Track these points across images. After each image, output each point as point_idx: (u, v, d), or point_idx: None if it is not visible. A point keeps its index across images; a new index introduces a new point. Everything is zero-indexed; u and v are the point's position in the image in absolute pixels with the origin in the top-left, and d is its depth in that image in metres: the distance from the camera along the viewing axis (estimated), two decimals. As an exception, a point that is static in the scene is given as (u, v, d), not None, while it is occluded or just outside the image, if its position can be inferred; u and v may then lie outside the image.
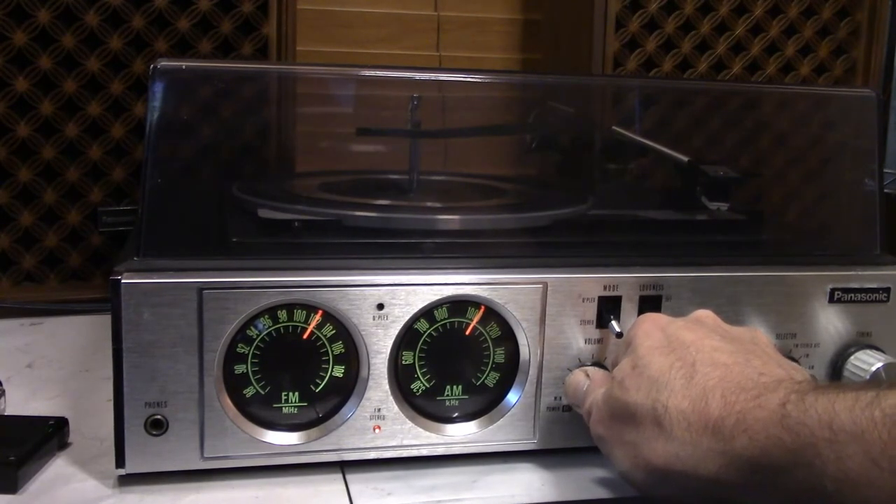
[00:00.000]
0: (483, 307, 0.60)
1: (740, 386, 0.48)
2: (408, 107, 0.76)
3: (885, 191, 0.78)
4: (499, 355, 0.61)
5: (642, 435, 0.50)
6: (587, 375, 0.58)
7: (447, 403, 0.61)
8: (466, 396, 0.61)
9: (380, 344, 0.58)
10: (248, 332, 0.56)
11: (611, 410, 0.53)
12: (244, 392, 0.57)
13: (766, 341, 0.55)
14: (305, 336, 0.58)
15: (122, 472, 0.56)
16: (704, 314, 0.57)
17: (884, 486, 0.39)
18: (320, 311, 0.57)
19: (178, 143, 0.67)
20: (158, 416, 0.55)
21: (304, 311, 0.57)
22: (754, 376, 0.48)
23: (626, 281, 0.61)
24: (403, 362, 0.59)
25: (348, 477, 0.58)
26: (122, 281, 0.54)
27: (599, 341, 0.61)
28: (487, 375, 0.61)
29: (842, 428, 0.41)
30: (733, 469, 0.46)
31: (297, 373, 0.58)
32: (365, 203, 0.73)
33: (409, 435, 0.59)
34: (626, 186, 0.89)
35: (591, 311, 0.61)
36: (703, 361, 0.50)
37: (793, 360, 0.64)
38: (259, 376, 0.57)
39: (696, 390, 0.48)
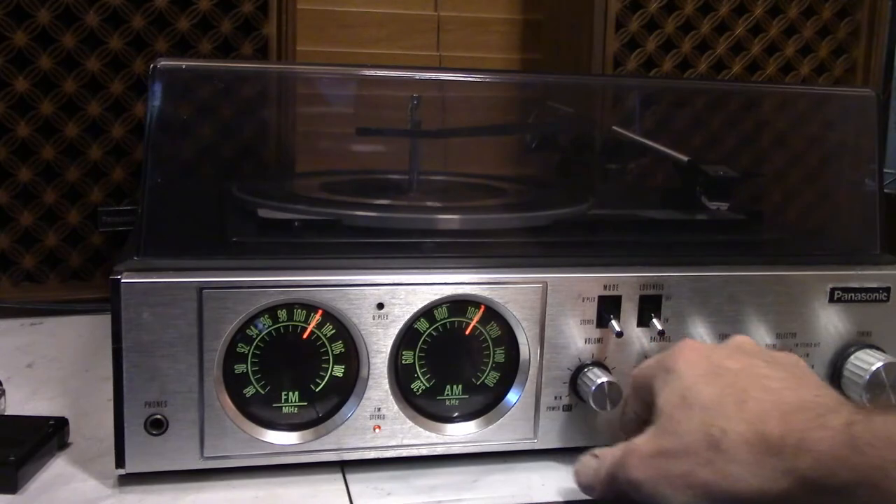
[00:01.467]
0: (483, 307, 0.60)
1: (797, 407, 0.48)
2: (408, 107, 0.76)
3: (885, 191, 0.78)
4: (499, 355, 0.61)
5: (698, 462, 0.49)
6: (595, 456, 0.55)
7: (447, 403, 0.61)
8: (466, 396, 0.61)
9: (380, 343, 0.58)
10: (247, 331, 0.56)
11: (655, 449, 0.51)
12: (244, 392, 0.57)
13: (805, 366, 0.55)
14: (305, 336, 0.58)
15: (121, 471, 0.56)
16: (743, 340, 0.57)
17: None
18: (320, 311, 0.57)
19: (178, 143, 0.67)
20: (158, 416, 0.55)
21: (304, 311, 0.57)
22: (810, 397, 0.49)
23: (626, 281, 0.61)
24: (403, 362, 0.59)
25: (348, 477, 0.58)
26: (122, 280, 0.54)
27: (599, 341, 0.61)
28: (487, 375, 0.61)
29: None
30: (798, 488, 0.46)
31: (297, 372, 0.58)
32: (365, 203, 0.73)
33: (409, 434, 0.59)
34: (626, 186, 0.89)
35: (591, 311, 0.61)
36: (754, 387, 0.50)
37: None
38: (259, 376, 0.57)
39: (751, 414, 0.48)
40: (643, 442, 0.52)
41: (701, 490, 0.49)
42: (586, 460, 0.56)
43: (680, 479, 0.50)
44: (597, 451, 0.56)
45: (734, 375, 0.52)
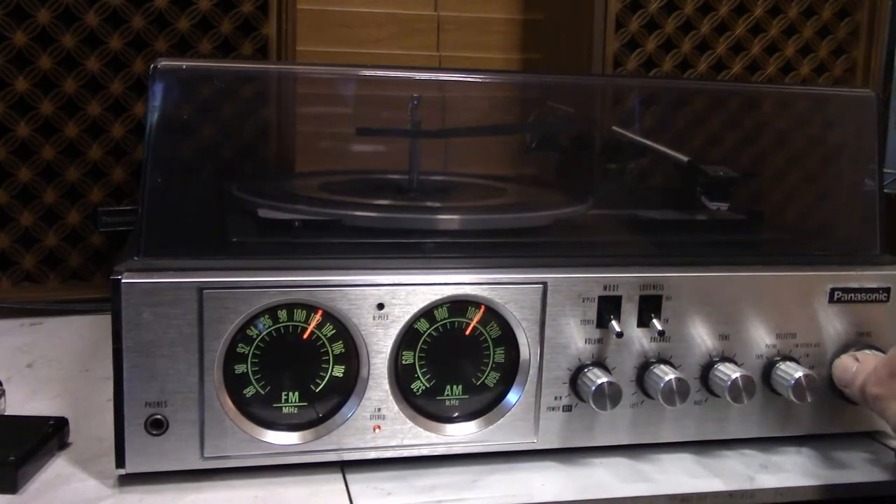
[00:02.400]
0: (483, 307, 0.60)
1: None
2: (408, 107, 0.76)
3: (885, 191, 0.78)
4: (499, 355, 0.61)
5: None
6: (856, 359, 0.63)
7: (447, 403, 0.61)
8: (466, 396, 0.61)
9: (380, 344, 0.58)
10: (248, 331, 0.56)
11: (890, 369, 0.57)
12: (244, 392, 0.57)
13: None
14: (305, 336, 0.58)
15: (122, 471, 0.56)
16: None
17: None
18: (320, 311, 0.57)
19: (178, 143, 0.67)
20: (158, 416, 0.55)
21: (304, 311, 0.57)
22: None
23: (627, 281, 0.61)
24: (403, 362, 0.59)
25: (348, 477, 0.58)
26: (123, 280, 0.54)
27: (599, 341, 0.61)
28: (487, 375, 0.61)
29: None
30: None
31: (298, 372, 0.58)
32: (365, 203, 0.73)
33: (410, 435, 0.59)
34: (626, 186, 0.89)
35: (592, 311, 0.61)
36: None
37: (793, 360, 0.64)
38: (259, 376, 0.57)
39: None
40: (882, 363, 0.59)
41: None
42: (847, 360, 0.63)
43: None
44: (858, 354, 0.63)
45: None
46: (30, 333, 0.85)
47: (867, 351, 0.64)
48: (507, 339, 0.61)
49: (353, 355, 0.58)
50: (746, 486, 0.60)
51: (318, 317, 0.57)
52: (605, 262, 0.62)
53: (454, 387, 0.61)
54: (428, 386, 0.60)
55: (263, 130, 0.89)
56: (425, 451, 0.60)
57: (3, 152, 0.87)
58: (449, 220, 0.70)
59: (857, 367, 0.62)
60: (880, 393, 0.58)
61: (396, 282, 0.58)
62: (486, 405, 0.61)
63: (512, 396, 0.61)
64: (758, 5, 1.05)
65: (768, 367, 0.64)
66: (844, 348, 0.65)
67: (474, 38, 1.18)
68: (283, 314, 0.57)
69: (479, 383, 0.61)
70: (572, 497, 0.58)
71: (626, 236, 0.73)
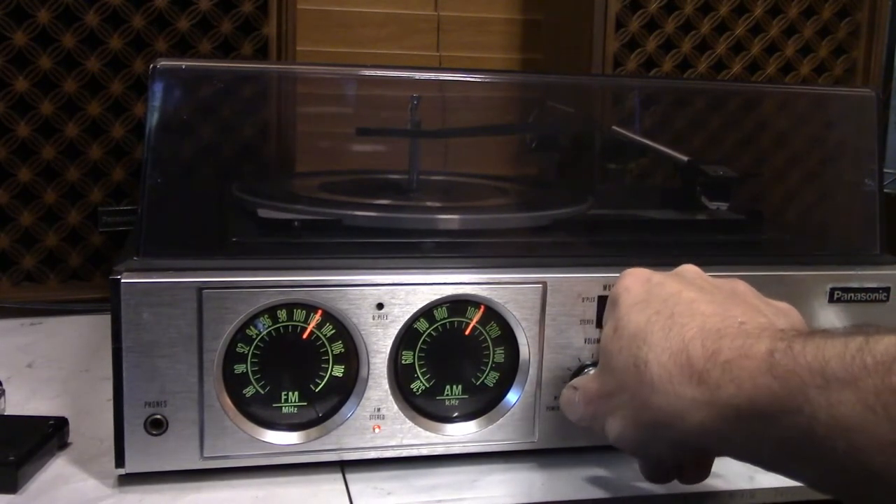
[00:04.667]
0: (483, 307, 0.60)
1: (720, 334, 0.47)
2: (408, 107, 0.76)
3: (885, 191, 0.78)
4: (498, 355, 0.61)
5: (628, 395, 0.50)
6: (575, 388, 0.57)
7: (447, 403, 0.61)
8: (466, 396, 0.61)
9: (379, 343, 0.58)
10: (247, 331, 0.56)
11: (598, 386, 0.53)
12: (244, 392, 0.57)
13: (745, 289, 0.54)
14: (305, 336, 0.58)
15: (121, 471, 0.56)
16: (688, 268, 0.56)
17: (877, 431, 0.39)
18: (320, 311, 0.57)
19: (177, 143, 0.67)
20: (158, 416, 0.55)
21: (304, 311, 0.57)
22: (734, 325, 0.48)
23: (626, 281, 0.61)
24: (403, 362, 0.59)
25: (348, 476, 0.58)
26: (122, 280, 0.54)
27: (599, 341, 0.61)
28: (487, 375, 0.61)
29: (833, 375, 0.41)
30: (720, 419, 0.45)
31: (297, 372, 0.58)
32: (365, 203, 0.73)
33: (409, 434, 0.59)
34: (626, 186, 0.89)
35: (591, 311, 0.61)
36: (681, 313, 0.49)
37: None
38: (259, 376, 0.57)
39: (675, 342, 0.48)
40: (589, 380, 0.54)
41: (633, 419, 0.50)
42: (568, 394, 0.57)
43: (616, 411, 0.51)
44: (574, 382, 0.57)
45: (664, 302, 0.51)
46: (30, 333, 0.85)
47: (574, 381, 0.58)
48: (507, 338, 0.61)
49: (352, 355, 0.58)
50: (746, 485, 0.60)
51: (317, 317, 0.57)
52: (605, 261, 0.62)
53: (454, 387, 0.61)
54: (427, 386, 0.60)
55: (263, 130, 0.89)
56: (425, 451, 0.60)
57: (3, 152, 0.87)
58: (449, 219, 0.70)
59: (578, 394, 0.56)
60: (594, 411, 0.53)
61: (396, 281, 0.58)
62: (485, 405, 0.61)
63: (512, 396, 0.61)
64: (758, 5, 1.05)
65: (768, 367, 0.64)
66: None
67: (474, 38, 1.18)
68: (282, 314, 0.57)
69: (478, 383, 0.61)
70: (572, 497, 0.58)
71: (625, 236, 0.73)
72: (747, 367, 0.44)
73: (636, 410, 0.49)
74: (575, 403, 0.56)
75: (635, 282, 0.54)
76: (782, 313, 0.52)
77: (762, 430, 0.44)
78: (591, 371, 0.59)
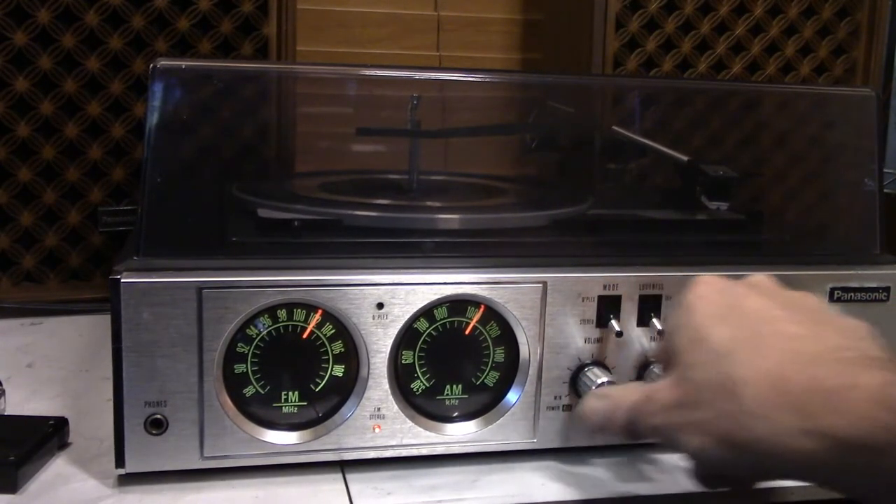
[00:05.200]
0: (483, 306, 0.60)
1: (816, 360, 0.45)
2: (408, 107, 0.76)
3: (885, 191, 0.78)
4: (498, 354, 0.61)
5: (714, 411, 0.47)
6: (602, 397, 0.55)
7: (447, 403, 0.61)
8: (466, 396, 0.61)
9: (379, 343, 0.58)
10: (247, 331, 0.56)
11: (674, 399, 0.49)
12: (244, 391, 0.57)
13: (819, 305, 0.52)
14: (305, 335, 0.58)
15: (121, 471, 0.56)
16: (760, 279, 0.54)
17: None
18: (320, 311, 0.57)
19: (177, 143, 0.67)
20: (158, 416, 0.55)
21: (304, 311, 0.57)
22: (828, 349, 0.46)
23: (626, 280, 0.61)
24: (403, 362, 0.59)
25: (348, 476, 0.58)
26: (122, 280, 0.54)
27: (599, 340, 0.61)
28: (487, 375, 0.61)
29: None
30: (822, 449, 0.43)
31: (297, 372, 0.58)
32: (365, 203, 0.73)
33: (409, 434, 0.59)
34: (626, 186, 0.89)
35: (591, 311, 0.61)
36: (769, 333, 0.48)
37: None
38: (259, 376, 0.57)
39: (769, 363, 0.46)
40: (663, 389, 0.50)
41: (720, 438, 0.47)
42: (593, 402, 0.55)
43: (698, 427, 0.48)
44: (602, 391, 0.56)
45: (746, 317, 0.49)
46: (30, 333, 0.85)
47: (605, 387, 0.59)
48: (507, 338, 0.61)
49: (352, 355, 0.58)
50: (746, 485, 0.60)
51: (317, 316, 0.57)
52: (605, 261, 0.62)
53: (454, 386, 0.61)
54: (427, 385, 0.60)
55: (263, 130, 0.89)
56: (425, 451, 0.60)
57: (3, 152, 0.87)
58: (449, 219, 0.70)
59: (606, 404, 0.54)
60: (664, 423, 0.50)
61: (396, 281, 0.58)
62: (485, 405, 0.61)
63: (512, 396, 0.61)
64: (758, 5, 1.05)
65: (768, 367, 0.64)
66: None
67: (474, 38, 1.18)
68: (282, 314, 0.57)
69: (478, 383, 0.61)
70: (572, 497, 0.58)
71: (625, 236, 0.73)
72: (856, 399, 0.43)
73: (726, 431, 0.47)
74: (602, 413, 0.54)
75: (711, 291, 0.52)
76: (863, 335, 0.49)
77: (869, 463, 0.43)
78: (601, 378, 0.59)
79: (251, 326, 0.56)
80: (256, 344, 0.57)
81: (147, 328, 0.54)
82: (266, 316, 0.57)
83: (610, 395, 0.55)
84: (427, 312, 0.59)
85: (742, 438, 0.46)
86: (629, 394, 0.53)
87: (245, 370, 0.57)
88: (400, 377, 0.59)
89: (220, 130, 0.79)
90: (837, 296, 0.65)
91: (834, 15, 1.08)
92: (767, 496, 0.60)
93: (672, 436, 0.49)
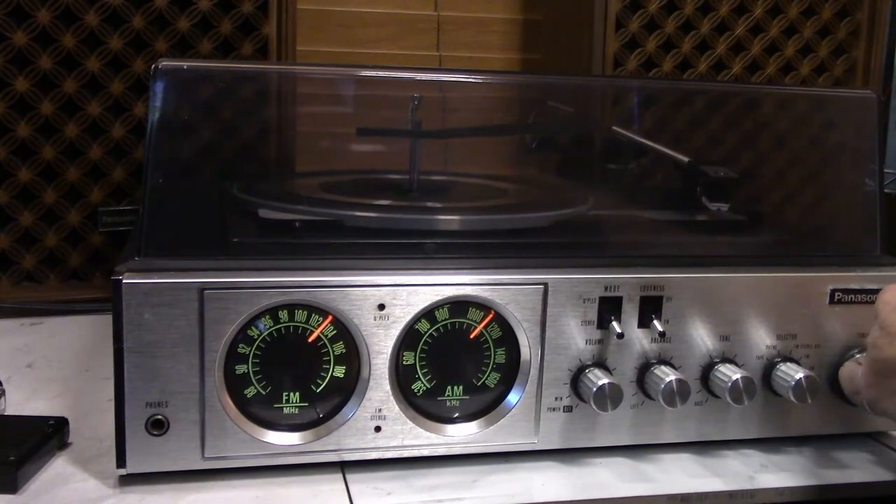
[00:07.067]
0: (484, 307, 0.60)
1: None
2: (408, 107, 0.76)
3: (885, 191, 0.78)
4: (499, 356, 0.61)
5: None
6: (859, 363, 0.61)
7: (448, 404, 0.61)
8: (467, 397, 0.61)
9: (381, 344, 0.58)
10: (248, 332, 0.56)
11: (874, 372, 0.57)
12: (245, 392, 0.57)
13: None
14: (306, 336, 0.57)
15: (122, 471, 0.56)
16: None
17: None
18: (321, 311, 0.57)
19: (178, 143, 0.67)
20: (159, 416, 0.55)
21: (305, 312, 0.57)
22: None
23: (627, 281, 0.61)
24: (404, 362, 0.59)
25: (348, 477, 0.58)
26: (124, 281, 0.54)
27: (600, 342, 0.61)
28: (488, 376, 0.61)
29: None
30: None
31: (298, 373, 0.58)
32: (366, 203, 0.73)
33: (410, 435, 0.60)
34: (626, 186, 0.89)
35: (592, 312, 0.61)
36: None
37: (793, 361, 0.64)
38: (260, 376, 0.57)
39: None
40: (866, 368, 0.58)
41: None
42: (852, 367, 0.63)
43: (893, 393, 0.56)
44: (862, 358, 0.62)
45: None
46: (30, 333, 0.85)
47: (858, 356, 0.64)
48: (508, 339, 0.61)
49: (353, 356, 0.58)
50: (746, 485, 0.60)
51: (318, 317, 0.57)
52: (606, 262, 0.62)
53: (455, 387, 0.61)
54: (429, 386, 0.60)
55: (263, 130, 0.89)
56: (426, 452, 0.60)
57: (3, 152, 0.87)
58: (449, 220, 0.70)
59: (861, 371, 0.61)
60: (875, 395, 0.57)
61: (397, 282, 0.58)
62: (486, 406, 0.61)
63: (512, 397, 0.61)
64: (758, 5, 1.05)
65: (769, 369, 0.64)
66: (845, 349, 0.65)
67: (474, 38, 1.18)
68: (283, 314, 0.57)
69: (479, 384, 0.61)
70: (572, 497, 0.58)
71: (626, 237, 0.73)
72: None
73: None
74: (858, 378, 0.60)
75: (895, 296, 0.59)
76: None
77: None
78: (602, 380, 0.60)
79: (252, 327, 0.56)
80: (258, 345, 0.57)
81: (148, 329, 0.54)
82: (267, 317, 0.57)
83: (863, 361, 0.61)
84: (428, 313, 0.59)
85: None
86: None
87: (246, 371, 0.57)
88: (401, 378, 0.59)
89: (221, 131, 0.79)
90: (837, 297, 0.65)
91: (834, 15, 1.08)
92: (755, 496, 0.60)
93: (882, 407, 0.57)
